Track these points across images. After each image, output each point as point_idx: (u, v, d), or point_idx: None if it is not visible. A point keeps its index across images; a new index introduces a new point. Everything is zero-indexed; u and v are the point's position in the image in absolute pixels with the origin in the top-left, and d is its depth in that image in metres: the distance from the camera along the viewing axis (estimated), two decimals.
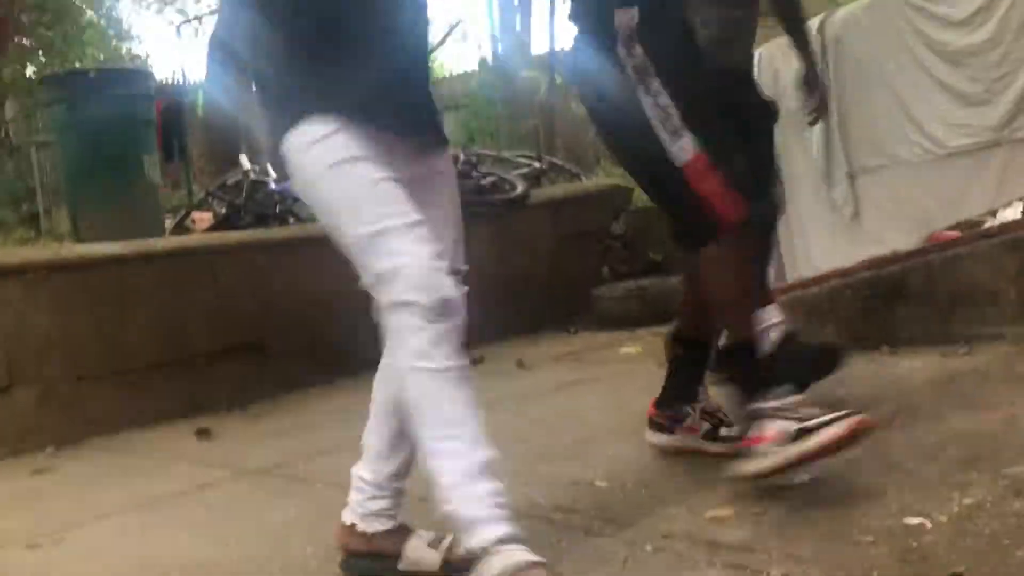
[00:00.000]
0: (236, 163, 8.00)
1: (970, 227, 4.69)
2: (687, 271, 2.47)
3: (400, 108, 1.80)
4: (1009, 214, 4.49)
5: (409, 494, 1.93)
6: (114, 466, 3.38)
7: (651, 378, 2.64)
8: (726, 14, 2.61)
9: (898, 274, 3.35)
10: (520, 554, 1.55)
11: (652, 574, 1.70)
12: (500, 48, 9.81)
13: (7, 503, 2.98)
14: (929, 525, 1.69)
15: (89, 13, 15.93)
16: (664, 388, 2.33)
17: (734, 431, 2.22)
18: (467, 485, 1.59)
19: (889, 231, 4.80)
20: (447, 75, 12.40)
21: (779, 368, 2.55)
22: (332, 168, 1.70)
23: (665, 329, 2.67)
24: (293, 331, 4.50)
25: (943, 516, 1.72)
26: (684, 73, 2.14)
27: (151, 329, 4.14)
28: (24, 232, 6.37)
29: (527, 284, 5.26)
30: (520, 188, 5.46)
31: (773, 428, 1.97)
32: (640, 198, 5.42)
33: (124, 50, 17.39)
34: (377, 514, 1.87)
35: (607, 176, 6.66)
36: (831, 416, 1.93)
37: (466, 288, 1.75)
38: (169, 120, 6.09)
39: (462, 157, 5.51)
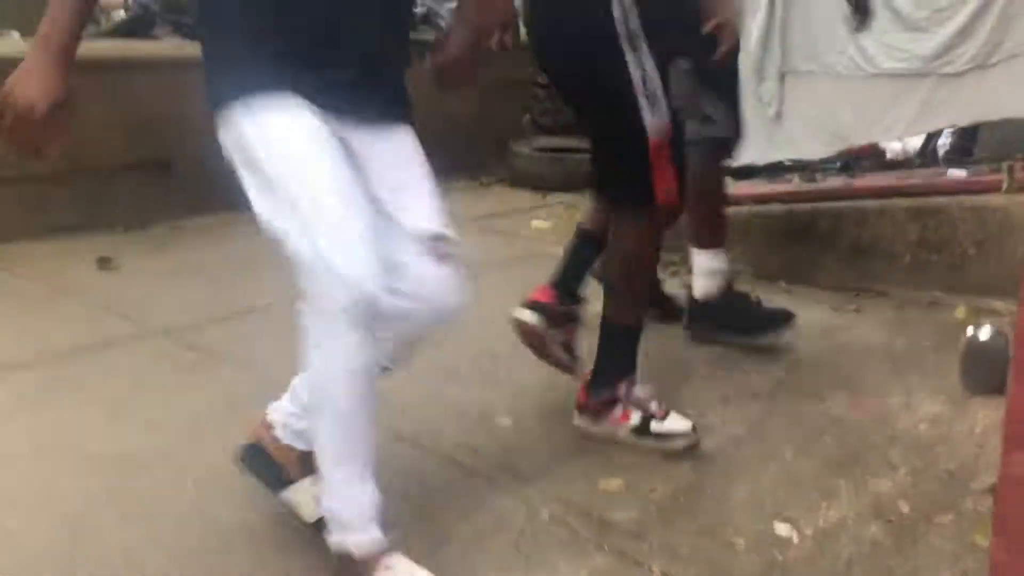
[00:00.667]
0: None
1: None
2: None
3: (339, 85, 1.65)
4: (913, 144, 4.68)
5: None
6: (10, 295, 3.32)
7: None
8: None
9: (808, 215, 3.49)
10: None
11: (544, 552, 1.85)
12: None
13: None
14: (796, 539, 1.88)
15: None
16: (594, 370, 2.34)
17: (665, 426, 2.27)
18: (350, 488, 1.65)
19: (807, 139, 4.85)
20: None
21: (725, 316, 2.86)
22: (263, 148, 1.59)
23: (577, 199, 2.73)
24: (202, 152, 4.34)
25: (808, 529, 1.92)
26: (670, 41, 2.16)
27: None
28: None
29: (449, 128, 5.19)
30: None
31: (620, 413, 2.26)
32: None
33: None
34: (299, 434, 1.83)
35: None
36: (677, 431, 2.23)
37: (452, 252, 1.70)
38: None
39: None
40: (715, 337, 2.87)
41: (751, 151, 4.99)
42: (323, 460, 1.66)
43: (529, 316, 2.50)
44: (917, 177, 3.67)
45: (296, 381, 1.82)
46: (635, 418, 2.25)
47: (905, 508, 1.98)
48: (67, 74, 1.50)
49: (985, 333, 2.51)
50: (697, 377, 2.70)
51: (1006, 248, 3.12)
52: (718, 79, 2.77)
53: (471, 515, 1.97)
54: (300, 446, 1.84)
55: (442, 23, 5.29)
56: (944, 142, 4.65)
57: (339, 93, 1.64)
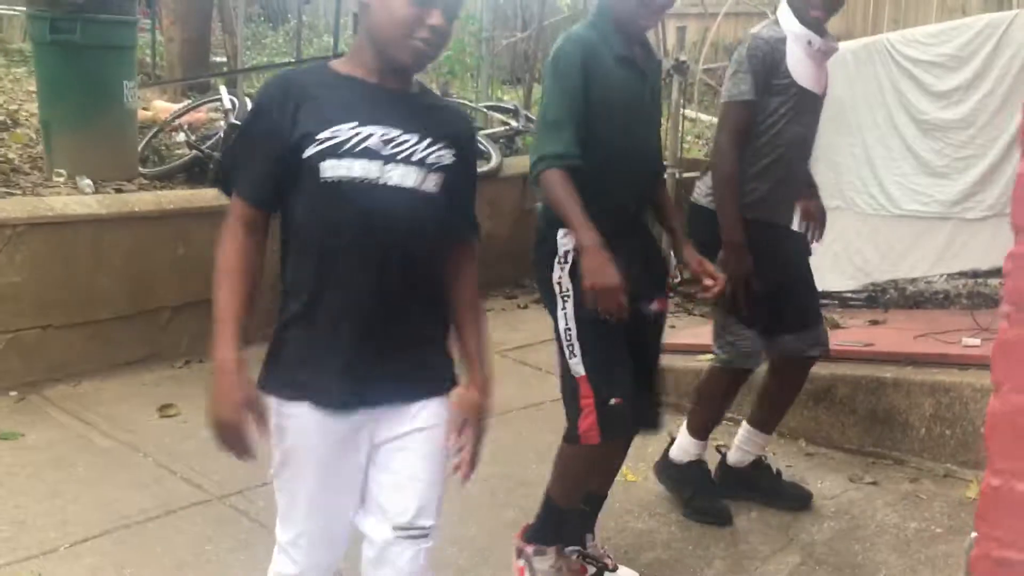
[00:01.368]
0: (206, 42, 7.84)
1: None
2: None
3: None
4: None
5: None
6: (84, 451, 3.56)
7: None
8: None
9: (828, 380, 3.66)
10: None
11: None
12: None
13: None
14: None
15: None
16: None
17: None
18: None
19: (832, 272, 5.08)
20: None
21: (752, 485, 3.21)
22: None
23: None
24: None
25: None
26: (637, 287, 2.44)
27: (120, 283, 4.27)
28: None
29: (487, 247, 5.41)
30: (493, 160, 5.55)
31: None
32: None
33: None
34: None
35: None
36: None
37: (427, 545, 1.84)
38: None
39: None
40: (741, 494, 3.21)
41: None
42: None
43: None
44: (932, 343, 3.82)
45: None
46: None
47: None
48: (247, 375, 1.72)
49: None
50: (716, 560, 2.87)
51: None
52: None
53: None
54: None
55: (482, 154, 5.53)
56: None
57: (377, 386, 1.81)
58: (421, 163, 1.78)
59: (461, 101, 6.56)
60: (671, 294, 5.61)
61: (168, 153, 5.34)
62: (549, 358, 4.49)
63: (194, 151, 5.02)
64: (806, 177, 3.22)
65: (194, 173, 5.07)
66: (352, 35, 8.72)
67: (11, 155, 5.27)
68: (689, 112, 6.67)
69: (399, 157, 1.75)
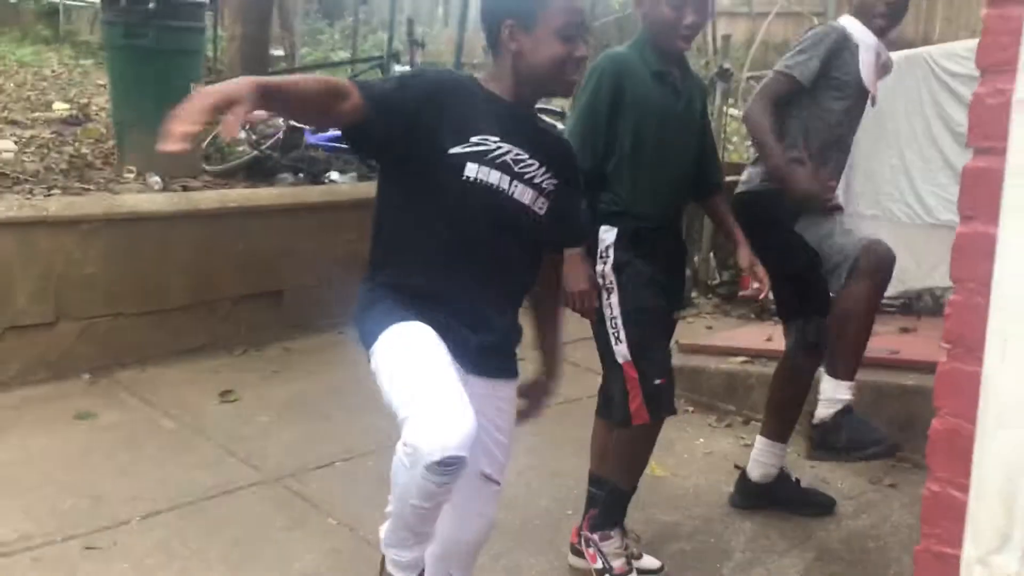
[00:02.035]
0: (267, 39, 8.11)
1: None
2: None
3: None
4: None
5: None
6: (149, 433, 3.84)
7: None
8: None
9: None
10: None
11: None
12: None
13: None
14: None
15: None
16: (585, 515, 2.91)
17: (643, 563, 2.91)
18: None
19: None
20: None
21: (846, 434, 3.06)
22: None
23: None
24: (308, 283, 4.92)
25: None
26: (637, 296, 2.68)
27: (185, 275, 4.56)
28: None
29: None
30: None
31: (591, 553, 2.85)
32: None
33: None
34: None
35: None
36: None
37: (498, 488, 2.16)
38: None
39: None
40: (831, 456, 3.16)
41: None
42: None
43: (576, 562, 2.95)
44: None
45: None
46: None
47: None
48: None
49: None
50: (736, 553, 3.06)
51: None
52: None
53: None
54: None
55: None
56: None
57: (466, 356, 2.05)
58: (538, 186, 2.06)
59: None
60: (710, 296, 5.80)
61: (230, 151, 5.61)
62: (586, 355, 4.71)
63: (255, 151, 5.29)
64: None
65: (253, 171, 5.34)
66: (406, 33, 8.95)
67: (84, 150, 5.61)
68: (735, 111, 6.76)
69: (525, 177, 2.03)
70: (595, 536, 2.86)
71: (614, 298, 2.69)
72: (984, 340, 1.36)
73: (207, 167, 5.31)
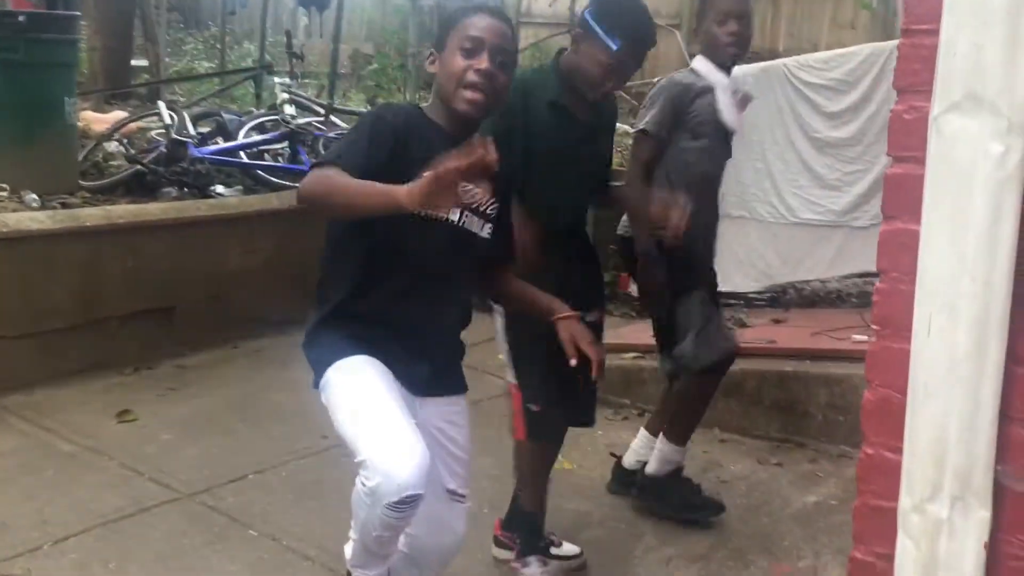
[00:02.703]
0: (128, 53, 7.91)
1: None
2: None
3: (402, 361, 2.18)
4: None
5: None
6: (47, 456, 3.72)
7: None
8: None
9: (739, 374, 4.09)
10: None
11: None
12: None
13: None
14: None
15: None
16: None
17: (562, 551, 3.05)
18: None
19: (738, 275, 5.56)
20: None
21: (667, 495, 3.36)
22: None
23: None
24: (199, 299, 4.87)
25: None
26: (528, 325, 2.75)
27: (70, 293, 4.44)
28: None
29: None
30: None
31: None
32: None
33: None
34: None
35: None
36: None
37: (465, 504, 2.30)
38: None
39: None
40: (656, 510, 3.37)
41: None
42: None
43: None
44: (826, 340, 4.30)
45: None
46: None
47: None
48: None
49: None
50: (646, 536, 3.26)
51: None
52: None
53: None
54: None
55: None
56: None
57: (416, 382, 2.21)
58: (484, 213, 2.19)
59: None
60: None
61: (106, 166, 5.48)
62: (482, 359, 4.85)
63: (136, 165, 5.18)
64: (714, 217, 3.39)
65: (133, 186, 5.23)
66: (272, 44, 8.87)
67: None
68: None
69: (473, 206, 2.14)
70: (515, 561, 2.99)
71: (501, 323, 2.86)
72: (911, 321, 1.56)
73: (84, 183, 5.16)
